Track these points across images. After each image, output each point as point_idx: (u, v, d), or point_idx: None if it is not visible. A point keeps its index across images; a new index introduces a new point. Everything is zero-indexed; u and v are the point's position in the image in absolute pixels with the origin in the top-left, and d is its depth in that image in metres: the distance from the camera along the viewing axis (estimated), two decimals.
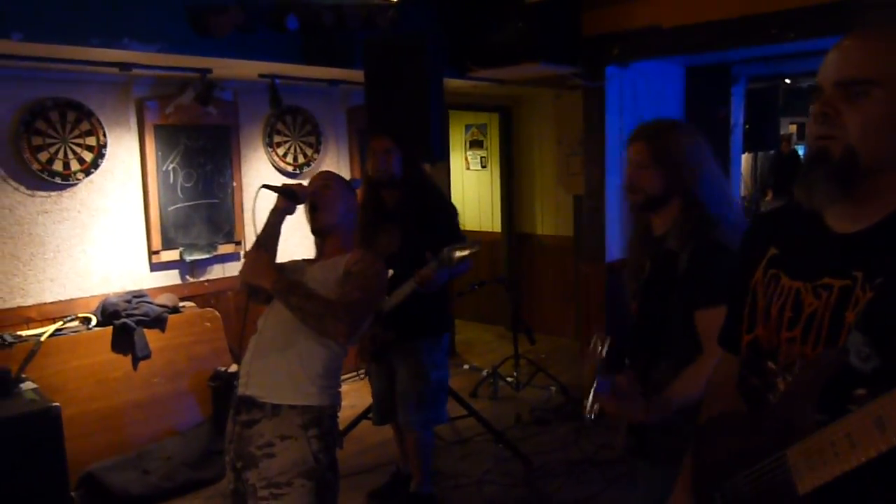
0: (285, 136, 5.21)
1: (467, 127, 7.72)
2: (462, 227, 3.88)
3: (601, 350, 1.85)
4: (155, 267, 4.62)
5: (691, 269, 1.89)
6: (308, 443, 2.26)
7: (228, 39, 3.81)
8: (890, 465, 0.98)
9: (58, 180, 4.12)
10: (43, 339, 3.83)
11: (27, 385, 3.42)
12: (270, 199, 2.53)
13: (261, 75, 4.60)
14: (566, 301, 6.65)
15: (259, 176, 4.97)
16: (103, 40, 3.50)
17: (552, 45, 4.66)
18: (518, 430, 4.72)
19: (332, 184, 2.59)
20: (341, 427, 2.49)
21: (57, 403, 3.23)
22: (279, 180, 4.92)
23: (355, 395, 4.81)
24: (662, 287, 1.97)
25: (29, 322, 4.04)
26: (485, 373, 5.64)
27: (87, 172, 4.24)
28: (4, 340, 3.74)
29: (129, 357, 4.10)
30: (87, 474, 3.76)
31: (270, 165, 5.15)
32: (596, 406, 1.83)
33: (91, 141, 4.24)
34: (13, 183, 3.99)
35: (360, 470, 4.14)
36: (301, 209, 2.55)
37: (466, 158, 7.78)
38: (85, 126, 4.21)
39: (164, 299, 4.42)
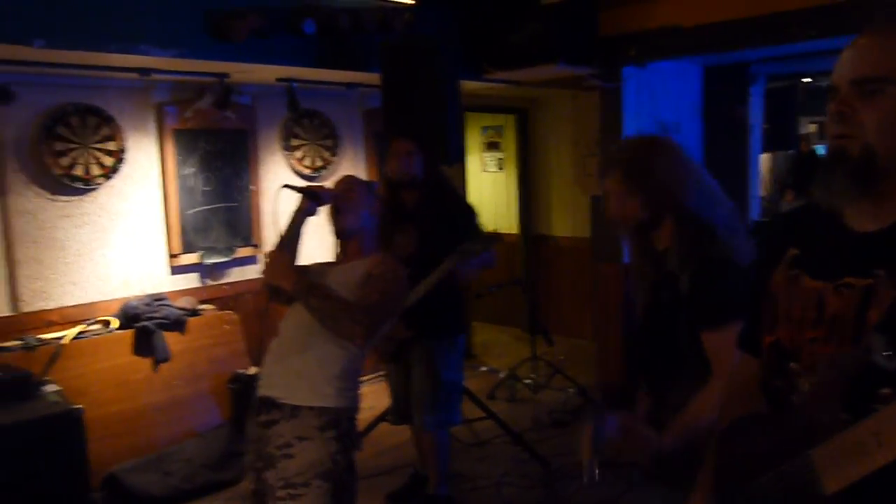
0: (303, 139, 5.24)
1: (484, 129, 7.71)
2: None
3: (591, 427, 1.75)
4: (174, 270, 4.66)
5: (694, 291, 1.83)
6: (326, 444, 2.27)
7: (246, 44, 3.84)
8: None
9: (79, 185, 4.17)
10: (65, 342, 3.87)
11: (50, 387, 3.47)
12: (291, 199, 2.55)
13: (278, 79, 4.62)
14: (583, 302, 6.62)
15: (277, 179, 5.00)
16: (123, 46, 3.54)
17: (569, 46, 4.65)
18: (536, 432, 4.70)
19: (356, 187, 2.60)
20: (360, 429, 2.49)
21: (79, 406, 3.27)
22: (297, 184, 4.93)
23: (374, 396, 4.82)
24: (668, 309, 1.91)
25: (51, 325, 4.08)
26: (502, 375, 5.64)
27: (108, 177, 4.28)
28: (27, 343, 3.78)
29: (150, 360, 4.13)
30: (109, 476, 3.79)
31: (288, 169, 5.17)
32: (596, 467, 1.71)
33: (111, 146, 4.28)
34: (35, 188, 4.04)
35: (378, 472, 4.15)
36: (324, 212, 2.57)
37: (483, 160, 7.77)
38: (105, 131, 4.25)
39: (183, 302, 4.45)
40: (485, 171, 7.76)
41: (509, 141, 7.43)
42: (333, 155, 5.40)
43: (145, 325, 4.12)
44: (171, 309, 4.30)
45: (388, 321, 2.44)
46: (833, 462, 1.06)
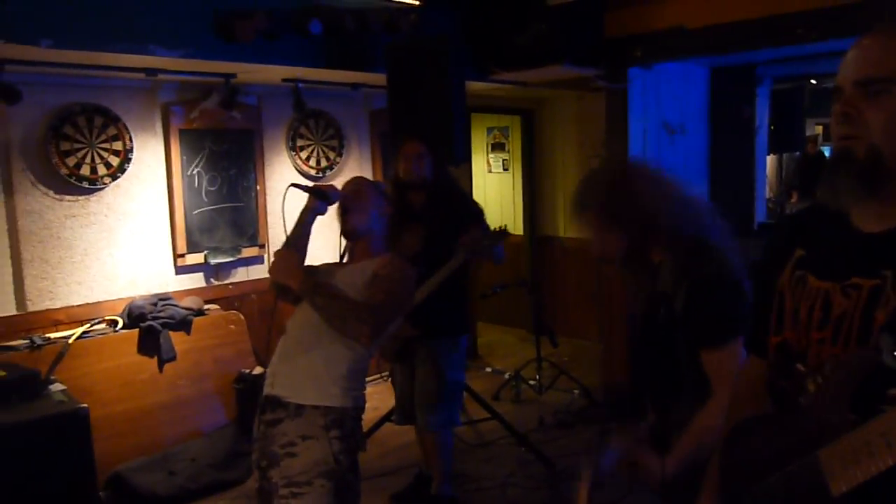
0: (308, 139, 5.24)
1: (489, 130, 7.71)
2: None
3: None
4: (180, 270, 4.67)
5: (689, 311, 1.78)
6: (329, 443, 2.27)
7: (253, 45, 3.84)
8: None
9: (85, 185, 4.18)
10: (71, 341, 3.88)
11: (56, 386, 3.48)
12: (298, 199, 2.55)
13: (284, 80, 4.63)
14: (589, 303, 6.61)
15: (283, 179, 5.00)
16: (130, 46, 3.55)
17: (575, 47, 4.65)
18: (541, 434, 4.70)
19: (365, 188, 2.61)
20: (364, 429, 2.50)
21: (85, 405, 3.28)
22: (304, 183, 4.95)
23: (378, 397, 4.82)
24: (664, 328, 1.86)
25: (57, 325, 4.09)
26: (507, 376, 5.63)
27: (114, 177, 4.29)
28: (34, 342, 3.80)
29: (155, 359, 4.15)
30: (115, 475, 3.80)
31: (293, 169, 5.18)
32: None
33: (118, 146, 4.29)
34: (42, 187, 4.06)
35: (382, 472, 4.15)
36: (333, 211, 2.57)
37: (488, 161, 7.78)
38: (112, 131, 4.26)
39: (189, 302, 4.46)
40: (490, 171, 7.76)
41: (515, 142, 7.43)
42: (339, 155, 5.41)
43: (151, 324, 4.13)
44: (176, 309, 4.32)
45: (394, 321, 2.44)
46: (841, 463, 1.05)
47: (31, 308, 4.04)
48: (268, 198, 5.01)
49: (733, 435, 1.40)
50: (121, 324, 4.16)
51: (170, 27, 3.64)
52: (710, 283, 1.76)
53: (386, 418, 4.36)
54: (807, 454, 1.12)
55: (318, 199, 2.53)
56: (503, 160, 7.64)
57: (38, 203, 4.05)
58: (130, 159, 4.35)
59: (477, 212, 3.70)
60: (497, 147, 7.69)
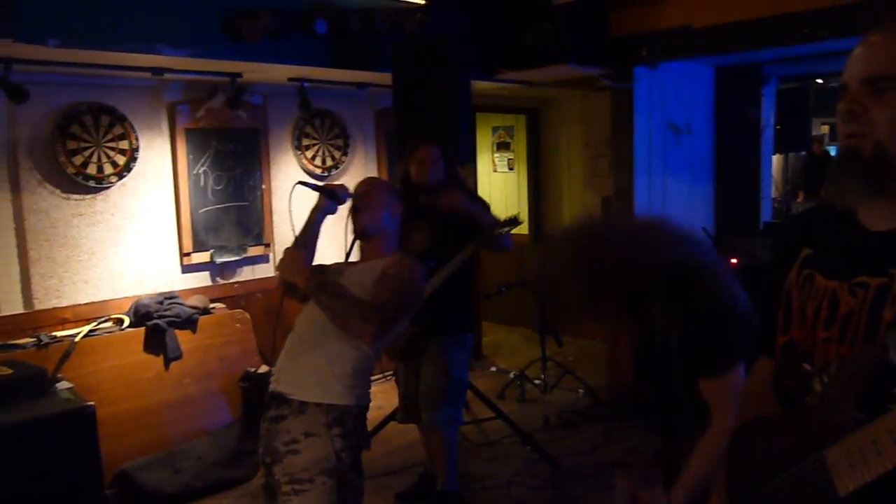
0: (314, 138, 5.25)
1: (494, 129, 7.71)
2: None
3: None
4: (186, 269, 4.68)
5: (685, 344, 1.72)
6: (331, 441, 2.28)
7: (259, 44, 3.86)
8: None
9: (92, 184, 4.19)
10: (77, 339, 3.90)
11: (63, 385, 3.48)
12: (305, 198, 2.55)
13: (290, 79, 4.64)
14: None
15: (288, 178, 5.01)
16: (137, 46, 3.56)
17: (580, 47, 4.65)
18: (545, 433, 4.69)
19: (376, 188, 2.62)
20: (369, 428, 2.50)
21: (91, 403, 3.28)
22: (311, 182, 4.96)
23: (383, 396, 4.83)
24: (661, 359, 1.81)
25: (64, 323, 4.11)
26: (512, 375, 5.63)
27: (120, 176, 4.31)
28: (40, 341, 3.81)
29: (161, 358, 4.16)
30: (121, 473, 3.82)
31: (299, 168, 5.19)
32: None
33: (124, 145, 4.31)
34: (49, 186, 4.07)
35: (388, 471, 4.15)
36: (342, 211, 2.58)
37: (493, 160, 7.77)
38: (118, 130, 4.28)
39: (194, 301, 4.47)
40: (495, 171, 7.76)
41: (520, 141, 7.42)
42: (344, 154, 5.41)
43: (157, 323, 4.14)
44: (182, 307, 4.33)
45: (399, 321, 2.44)
46: (848, 462, 1.05)
47: (38, 306, 4.06)
48: (273, 197, 5.02)
49: (740, 435, 1.40)
50: (127, 322, 4.17)
51: (176, 27, 3.65)
52: (702, 313, 1.68)
53: (391, 417, 4.36)
54: (813, 454, 1.12)
55: (328, 198, 2.54)
56: (508, 159, 7.64)
57: (45, 202, 4.07)
58: (136, 158, 4.36)
59: (484, 204, 3.77)
60: (502, 146, 7.69)
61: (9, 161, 3.94)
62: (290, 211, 2.52)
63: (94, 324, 4.09)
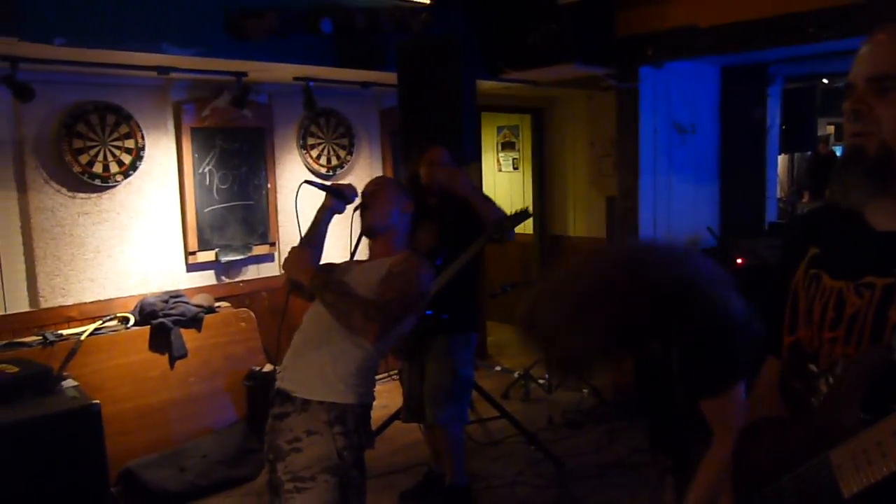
0: (319, 138, 5.26)
1: (499, 129, 7.71)
2: None
3: None
4: (191, 267, 4.69)
5: (684, 366, 1.67)
6: (333, 439, 2.28)
7: (264, 43, 3.86)
8: None
9: (97, 182, 4.20)
10: (83, 337, 3.91)
11: (68, 383, 3.50)
12: (310, 197, 2.55)
13: (295, 78, 4.65)
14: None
15: (293, 177, 5.02)
16: (143, 45, 3.57)
17: (586, 46, 4.64)
18: (550, 433, 4.69)
19: (385, 187, 2.62)
20: (373, 427, 2.50)
21: (97, 401, 3.30)
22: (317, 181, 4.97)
23: (387, 395, 4.83)
24: (660, 380, 1.77)
25: (70, 321, 4.12)
26: (516, 374, 5.63)
27: (126, 174, 4.32)
28: (46, 339, 3.82)
29: (166, 356, 4.17)
30: (126, 471, 3.83)
31: (304, 167, 5.19)
32: None
33: (130, 143, 4.32)
34: (55, 185, 4.08)
35: (392, 470, 4.16)
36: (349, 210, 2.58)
37: (498, 160, 7.77)
38: (124, 129, 4.29)
39: (200, 299, 4.48)
40: (500, 170, 7.76)
41: (525, 141, 7.41)
42: (349, 154, 5.42)
43: (162, 321, 4.15)
44: (187, 306, 4.33)
45: (404, 321, 2.43)
46: (852, 464, 1.04)
47: (44, 305, 4.07)
48: (278, 196, 5.03)
49: (745, 436, 1.39)
50: (132, 321, 4.18)
51: (182, 26, 3.66)
52: (700, 333, 1.58)
53: (395, 416, 4.36)
54: (818, 455, 1.11)
55: (336, 198, 2.54)
56: (513, 159, 7.63)
57: (51, 200, 4.08)
58: (142, 157, 4.37)
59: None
60: (507, 146, 7.69)
61: (15, 159, 3.96)
62: (296, 210, 2.52)
63: (100, 322, 4.11)
